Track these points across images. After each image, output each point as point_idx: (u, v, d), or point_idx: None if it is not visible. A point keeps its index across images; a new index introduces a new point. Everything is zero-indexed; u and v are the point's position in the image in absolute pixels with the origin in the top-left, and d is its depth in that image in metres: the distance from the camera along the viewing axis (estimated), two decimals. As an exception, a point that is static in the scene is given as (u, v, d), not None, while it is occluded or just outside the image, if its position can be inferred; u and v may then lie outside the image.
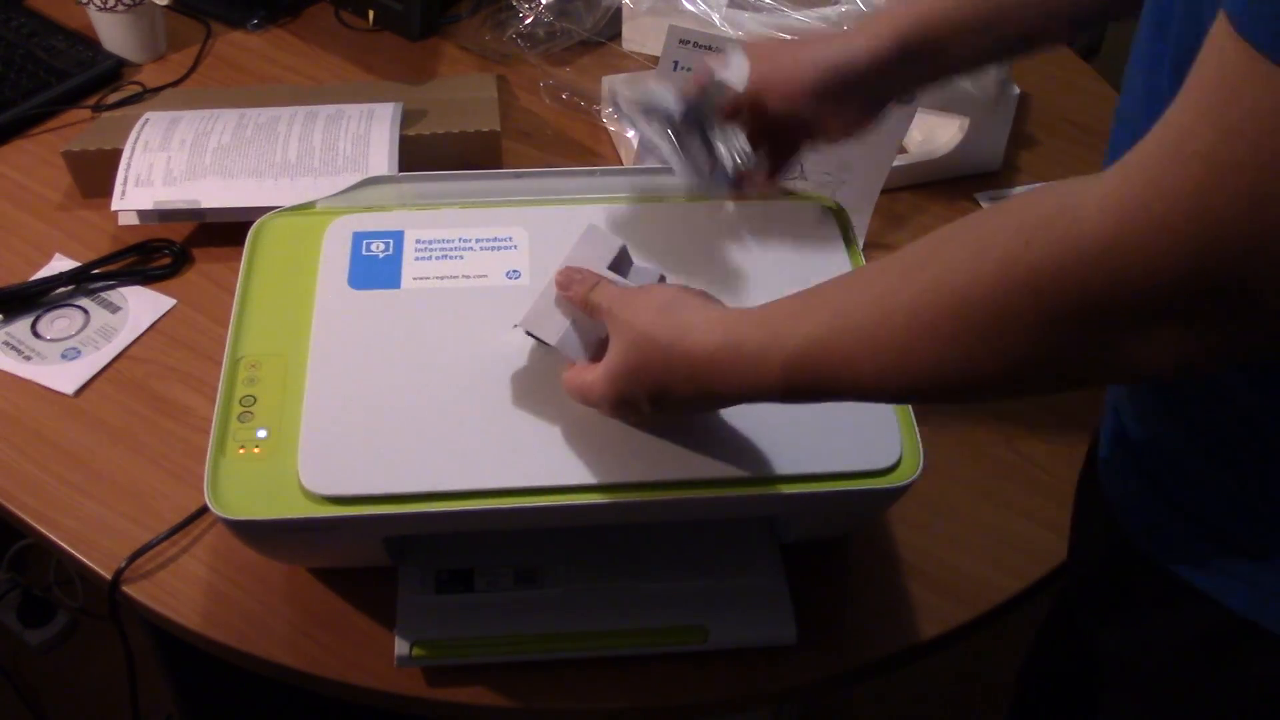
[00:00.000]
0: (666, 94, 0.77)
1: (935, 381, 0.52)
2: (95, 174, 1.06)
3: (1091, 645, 0.71)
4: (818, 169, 0.95)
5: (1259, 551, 0.58)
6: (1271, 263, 0.42)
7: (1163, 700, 0.67)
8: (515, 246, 0.82)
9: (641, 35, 1.22)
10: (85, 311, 0.98)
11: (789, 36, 1.08)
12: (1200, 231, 0.42)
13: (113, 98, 1.19)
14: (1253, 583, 0.59)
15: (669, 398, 0.63)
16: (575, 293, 0.68)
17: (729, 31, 1.11)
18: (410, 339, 0.76)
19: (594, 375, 0.66)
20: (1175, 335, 0.45)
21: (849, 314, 0.55)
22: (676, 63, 0.99)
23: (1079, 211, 0.45)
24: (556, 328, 0.69)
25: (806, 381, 0.56)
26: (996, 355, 0.49)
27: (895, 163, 1.07)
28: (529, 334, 0.71)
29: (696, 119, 0.77)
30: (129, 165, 1.01)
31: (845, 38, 0.75)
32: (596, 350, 0.68)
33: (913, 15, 0.73)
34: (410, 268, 0.80)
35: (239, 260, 0.81)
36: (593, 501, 0.69)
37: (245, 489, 0.69)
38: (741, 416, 0.72)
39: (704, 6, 1.13)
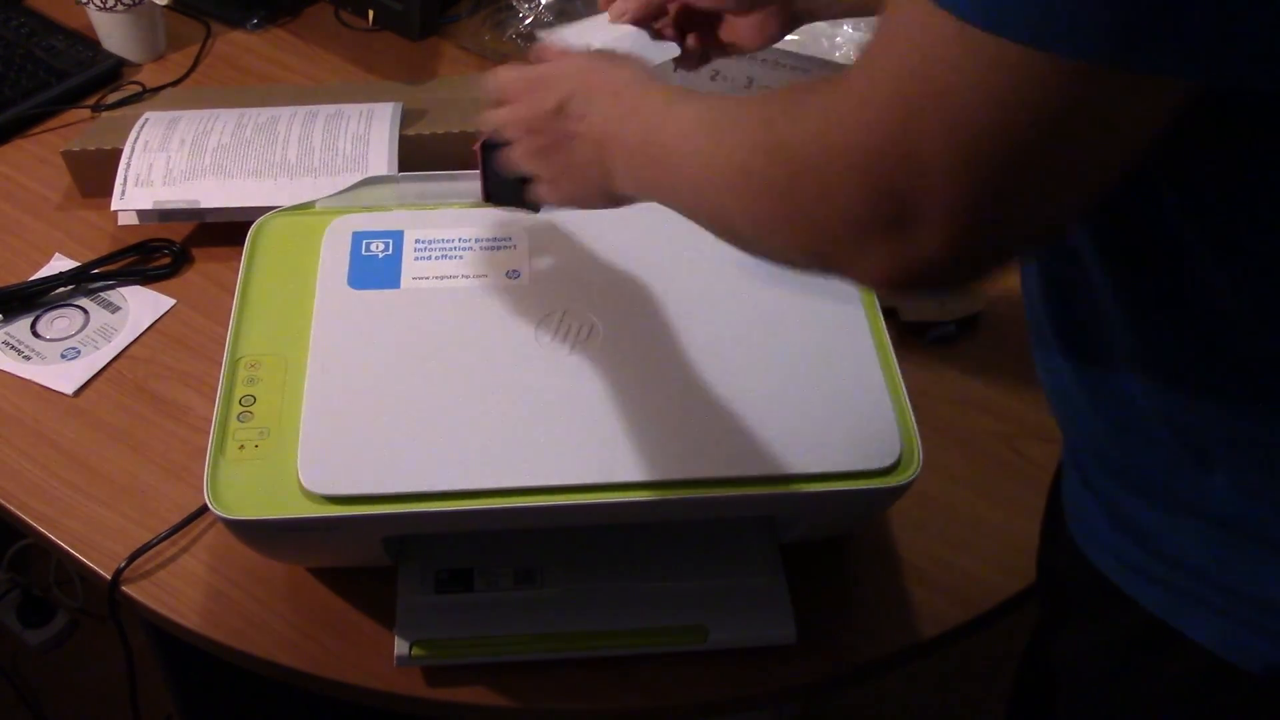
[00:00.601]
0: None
1: (716, 203, 0.55)
2: (95, 174, 1.06)
3: (1048, 652, 0.72)
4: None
5: (1173, 554, 0.59)
6: (925, 149, 0.43)
7: (1095, 704, 0.67)
8: (515, 246, 0.82)
9: (641, 35, 1.22)
10: (85, 311, 0.98)
11: None
12: (870, 96, 0.44)
13: (112, 98, 1.19)
14: (1167, 585, 0.59)
15: (573, 106, 0.64)
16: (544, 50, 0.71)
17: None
18: (410, 339, 0.76)
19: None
20: (879, 240, 0.45)
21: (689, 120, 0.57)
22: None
23: (817, 83, 0.49)
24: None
25: (644, 157, 0.60)
26: (745, 213, 0.52)
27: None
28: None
29: None
30: (129, 165, 1.01)
31: None
32: None
33: None
34: (410, 267, 0.80)
35: (239, 260, 0.81)
36: (593, 501, 0.69)
37: (245, 489, 0.69)
38: (741, 415, 0.72)
39: (704, 6, 1.13)
